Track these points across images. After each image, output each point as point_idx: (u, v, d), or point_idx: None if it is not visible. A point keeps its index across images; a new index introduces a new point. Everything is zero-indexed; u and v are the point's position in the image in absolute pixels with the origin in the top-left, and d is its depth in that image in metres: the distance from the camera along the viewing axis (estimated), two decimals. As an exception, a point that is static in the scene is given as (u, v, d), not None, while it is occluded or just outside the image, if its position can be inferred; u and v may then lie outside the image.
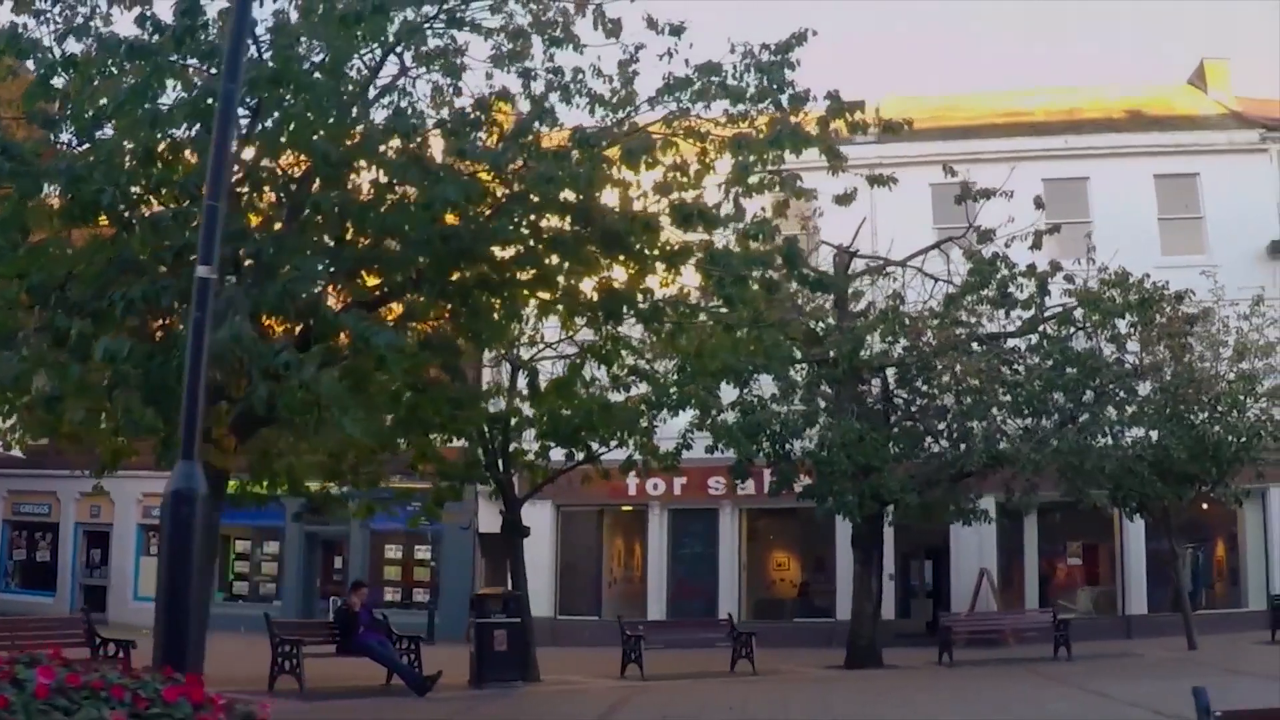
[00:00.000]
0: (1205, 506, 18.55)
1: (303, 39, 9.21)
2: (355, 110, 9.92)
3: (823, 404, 15.16)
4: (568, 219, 9.26)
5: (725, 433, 13.92)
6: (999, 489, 15.70)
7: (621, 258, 9.49)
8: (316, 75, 9.19)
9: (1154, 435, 15.01)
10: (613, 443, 13.65)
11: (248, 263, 9.17)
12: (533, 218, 9.35)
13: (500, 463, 13.87)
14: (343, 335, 9.06)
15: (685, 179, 9.52)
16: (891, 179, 11.24)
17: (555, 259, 9.96)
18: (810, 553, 21.13)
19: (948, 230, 17.54)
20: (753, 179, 10.00)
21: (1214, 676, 12.75)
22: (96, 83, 8.99)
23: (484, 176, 9.45)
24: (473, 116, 9.46)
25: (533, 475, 14.40)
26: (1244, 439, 15.48)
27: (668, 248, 9.76)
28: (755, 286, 9.93)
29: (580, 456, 13.88)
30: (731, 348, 12.97)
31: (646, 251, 9.38)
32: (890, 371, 16.06)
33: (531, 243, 9.39)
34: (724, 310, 10.94)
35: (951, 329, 15.00)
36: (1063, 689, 12.25)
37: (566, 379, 11.85)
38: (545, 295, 10.56)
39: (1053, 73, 49.24)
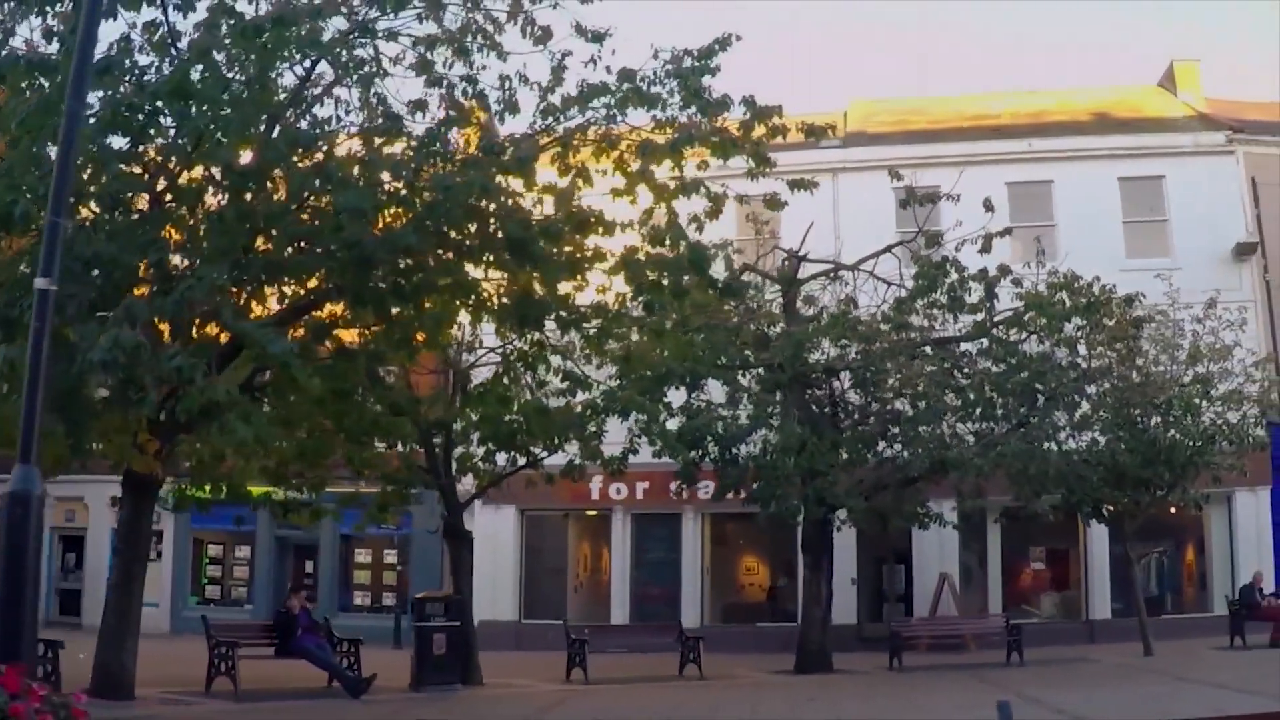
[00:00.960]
0: (1173, 510, 18.43)
1: (219, 52, 9.39)
2: (281, 121, 10.13)
3: (771, 409, 15.18)
4: (473, 227, 9.38)
5: (662, 438, 13.99)
6: (951, 494, 15.66)
7: (528, 264, 9.57)
8: (241, 89, 9.40)
9: (1102, 440, 14.93)
10: (554, 447, 13.74)
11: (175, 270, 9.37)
12: (444, 226, 9.47)
13: (442, 467, 13.98)
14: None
15: (588, 185, 9.62)
16: (812, 183, 11.31)
17: (466, 266, 10.12)
18: (779, 558, 21.08)
19: (911, 234, 17.50)
20: (671, 184, 10.14)
21: (1158, 683, 12.72)
22: (28, 95, 9.22)
23: (398, 185, 9.62)
24: (382, 125, 9.62)
25: (479, 480, 14.53)
26: (1198, 443, 15.36)
27: (578, 254, 9.88)
28: (666, 292, 10.03)
29: (522, 461, 13.98)
30: (672, 352, 13.11)
31: (553, 257, 9.46)
32: (846, 375, 16.06)
33: (440, 250, 9.51)
34: (644, 315, 11.09)
35: (899, 333, 15.00)
36: (999, 695, 12.17)
37: (491, 384, 11.95)
38: (464, 302, 10.71)
39: (1036, 76, 49.13)
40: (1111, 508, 16.14)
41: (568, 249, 9.56)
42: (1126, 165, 19.86)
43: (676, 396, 15.19)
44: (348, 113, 10.61)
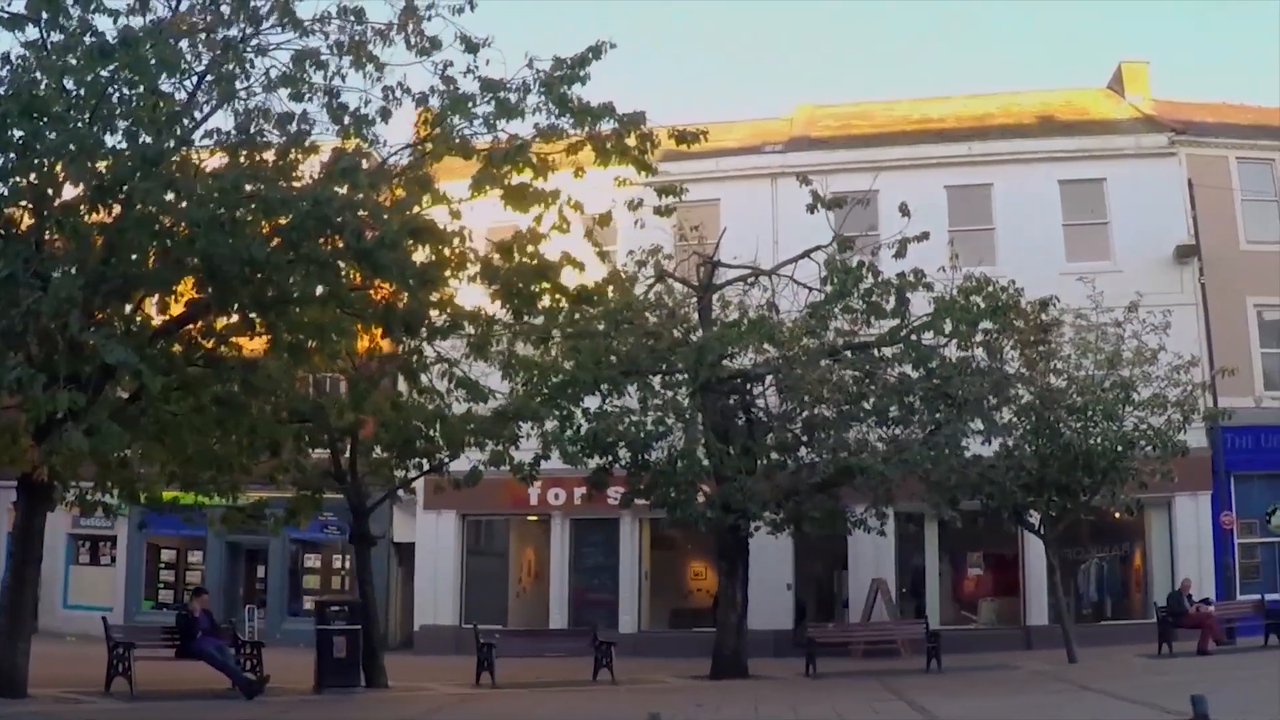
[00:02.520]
0: (1118, 516, 18.24)
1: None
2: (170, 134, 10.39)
3: (683, 415, 15.23)
4: (321, 239, 9.56)
5: (557, 444, 14.10)
6: (866, 500, 15.59)
7: (380, 274, 9.73)
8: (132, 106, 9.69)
9: (1010, 444, 14.84)
10: (457, 453, 13.90)
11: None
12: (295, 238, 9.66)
13: (349, 473, 14.20)
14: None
15: (429, 195, 9.80)
16: (683, 189, 11.40)
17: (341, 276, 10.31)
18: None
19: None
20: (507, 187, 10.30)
21: (1053, 692, 12.66)
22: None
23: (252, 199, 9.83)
24: (232, 140, 9.89)
25: (390, 485, 14.73)
26: (1118, 448, 15.21)
27: (431, 263, 10.05)
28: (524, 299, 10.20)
29: (427, 466, 14.18)
30: (570, 358, 13.24)
31: (400, 267, 9.61)
32: (768, 380, 16.06)
33: (291, 262, 9.68)
34: (514, 322, 11.25)
35: (811, 338, 14.98)
36: (889, 703, 12.15)
37: (365, 389, 12.14)
38: (348, 311, 10.89)
39: (1001, 79, 48.74)
40: (1035, 514, 16.03)
41: (417, 259, 9.70)
42: (1067, 168, 19.70)
43: (594, 402, 15.27)
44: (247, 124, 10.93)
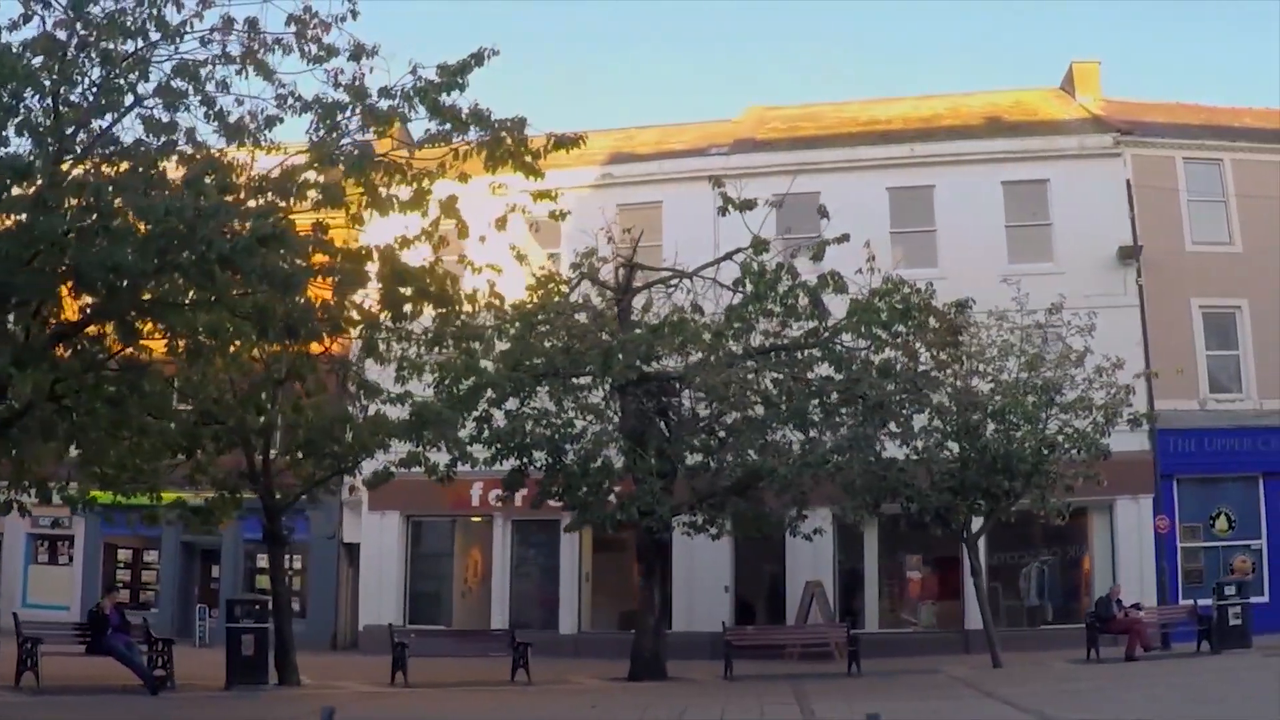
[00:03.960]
0: (1061, 521, 18.03)
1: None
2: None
3: (604, 417, 15.29)
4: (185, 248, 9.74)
5: (457, 448, 14.23)
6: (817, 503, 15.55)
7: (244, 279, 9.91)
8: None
9: (921, 447, 14.78)
10: (367, 454, 14.10)
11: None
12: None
13: (261, 474, 14.42)
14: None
15: (288, 201, 9.97)
16: (555, 195, 11.52)
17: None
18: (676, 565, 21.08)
19: (792, 241, 17.44)
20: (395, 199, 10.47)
21: (947, 697, 12.62)
22: None
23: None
24: (112, 151, 10.13)
25: (304, 484, 14.95)
26: (1043, 450, 15.09)
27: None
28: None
29: (340, 467, 14.39)
30: (467, 362, 13.40)
31: (260, 272, 9.76)
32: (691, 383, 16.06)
33: (159, 270, 9.87)
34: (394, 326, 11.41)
35: (723, 340, 14.99)
36: (783, 705, 12.18)
37: (258, 390, 12.32)
38: (243, 315, 11.09)
39: (970, 80, 48.17)
40: (961, 516, 15.94)
41: (278, 264, 9.85)
42: (1010, 169, 19.55)
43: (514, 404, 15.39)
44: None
